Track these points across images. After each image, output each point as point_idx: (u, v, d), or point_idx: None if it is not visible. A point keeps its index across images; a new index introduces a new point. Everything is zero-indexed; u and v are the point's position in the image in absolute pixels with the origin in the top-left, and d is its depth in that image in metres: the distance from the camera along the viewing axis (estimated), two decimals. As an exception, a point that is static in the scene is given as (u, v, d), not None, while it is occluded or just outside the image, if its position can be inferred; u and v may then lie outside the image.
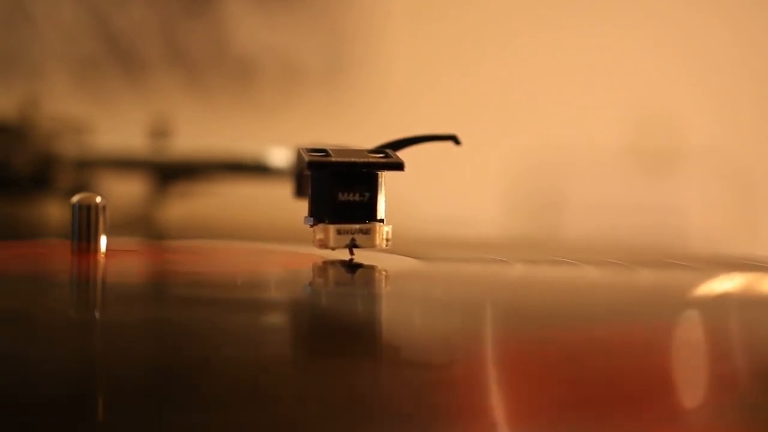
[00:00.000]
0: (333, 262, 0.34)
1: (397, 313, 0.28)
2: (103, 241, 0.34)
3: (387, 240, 0.33)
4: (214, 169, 0.60)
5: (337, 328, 0.25)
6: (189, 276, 0.34)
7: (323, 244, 0.32)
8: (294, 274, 0.35)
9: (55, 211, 0.59)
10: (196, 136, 0.61)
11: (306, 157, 0.32)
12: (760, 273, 0.37)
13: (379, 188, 0.33)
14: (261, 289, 0.32)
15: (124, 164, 0.61)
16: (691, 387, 0.21)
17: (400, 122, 0.60)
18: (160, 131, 0.61)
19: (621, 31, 0.98)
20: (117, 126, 0.62)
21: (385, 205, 0.33)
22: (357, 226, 0.32)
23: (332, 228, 0.32)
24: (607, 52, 0.98)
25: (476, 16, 0.99)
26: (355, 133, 0.46)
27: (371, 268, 0.34)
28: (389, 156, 0.33)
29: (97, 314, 0.27)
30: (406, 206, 0.38)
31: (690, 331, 0.26)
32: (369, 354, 0.23)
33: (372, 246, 0.32)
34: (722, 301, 0.31)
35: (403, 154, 0.33)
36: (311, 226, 0.33)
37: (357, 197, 0.32)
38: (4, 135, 0.61)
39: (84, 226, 0.33)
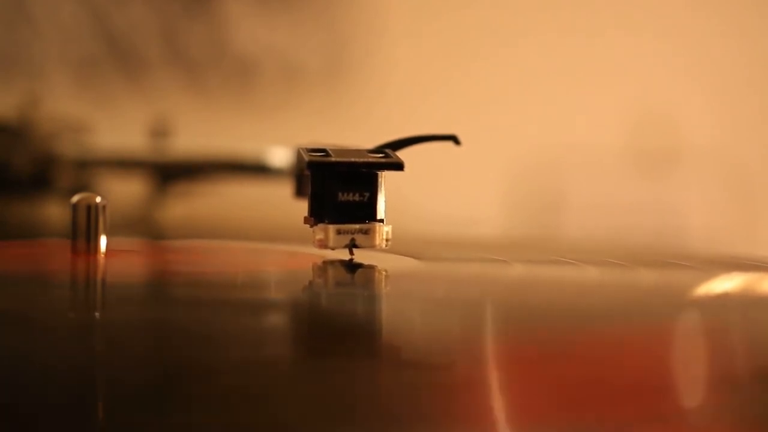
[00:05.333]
0: (333, 262, 0.34)
1: (397, 313, 0.28)
2: (103, 241, 0.34)
3: (387, 240, 0.33)
4: (214, 169, 0.60)
5: (337, 329, 0.25)
6: (189, 276, 0.34)
7: (323, 244, 0.32)
8: (294, 274, 0.35)
9: (55, 211, 0.59)
10: (196, 136, 0.61)
11: (306, 157, 0.32)
12: (760, 273, 0.37)
13: (378, 188, 0.33)
14: (261, 290, 0.32)
15: (124, 164, 0.61)
16: (691, 387, 0.21)
17: (400, 122, 0.60)
18: (160, 131, 0.61)
19: (621, 31, 0.98)
20: (117, 126, 0.62)
21: (385, 205, 0.33)
22: (357, 226, 0.32)
23: (332, 228, 0.32)
24: (607, 52, 0.98)
25: (476, 16, 0.99)
26: (355, 133, 0.46)
27: (371, 268, 0.34)
28: (389, 156, 0.33)
29: (96, 314, 0.27)
30: (406, 206, 0.38)
31: (690, 331, 0.26)
32: (369, 354, 0.23)
33: (372, 246, 0.32)
34: (722, 301, 0.31)
35: (403, 154, 0.33)
36: (311, 226, 0.33)
37: (357, 197, 0.32)
38: (4, 135, 0.61)
39: (84, 226, 0.33)
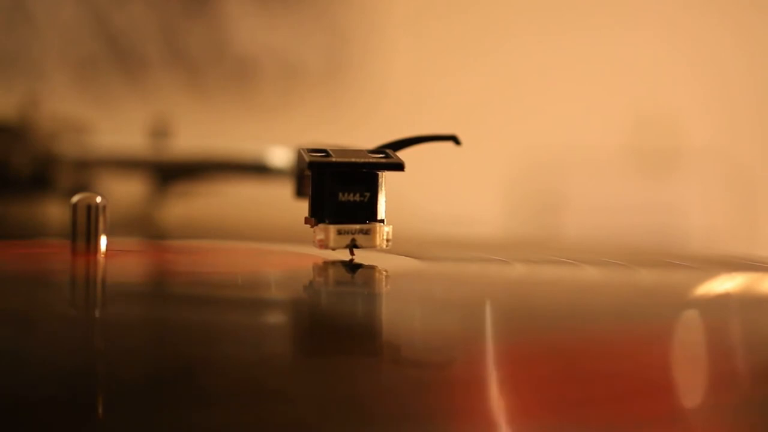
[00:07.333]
0: (333, 263, 0.34)
1: (396, 313, 0.28)
2: (103, 241, 0.34)
3: (387, 240, 0.33)
4: (214, 169, 0.60)
5: (337, 328, 0.25)
6: (189, 276, 0.34)
7: (323, 245, 0.32)
8: (294, 274, 0.35)
9: (55, 211, 0.59)
10: (196, 136, 0.61)
11: (306, 158, 0.32)
12: (760, 273, 0.37)
13: (379, 188, 0.33)
14: (261, 289, 0.32)
15: (124, 164, 0.61)
16: (691, 387, 0.21)
17: (400, 122, 0.60)
18: (160, 131, 0.61)
19: (621, 31, 0.98)
20: (117, 126, 0.62)
21: (386, 206, 0.33)
22: (357, 227, 0.32)
23: (333, 228, 0.32)
24: (607, 52, 0.98)
25: (476, 16, 0.99)
26: (355, 134, 0.46)
27: (371, 269, 0.34)
28: (389, 156, 0.33)
29: (96, 314, 0.27)
30: (407, 206, 0.38)
31: (690, 331, 0.26)
32: (368, 354, 0.23)
33: (372, 246, 0.32)
34: (722, 301, 0.31)
35: (403, 155, 0.33)
36: (312, 226, 0.33)
37: (357, 197, 0.32)
38: (4, 135, 0.61)
39: (84, 226, 0.33)
